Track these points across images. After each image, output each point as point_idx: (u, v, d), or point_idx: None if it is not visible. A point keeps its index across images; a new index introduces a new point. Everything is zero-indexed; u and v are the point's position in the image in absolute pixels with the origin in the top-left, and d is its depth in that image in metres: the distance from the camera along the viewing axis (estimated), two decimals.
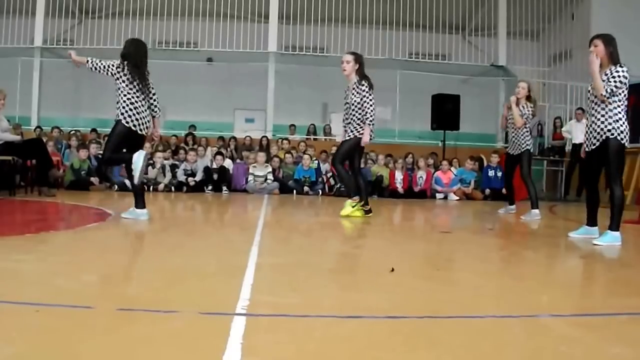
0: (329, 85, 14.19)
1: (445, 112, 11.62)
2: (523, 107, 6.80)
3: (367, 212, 6.14)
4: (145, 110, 4.99)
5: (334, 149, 11.33)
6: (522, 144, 6.82)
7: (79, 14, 14.34)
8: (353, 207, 6.08)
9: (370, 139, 6.09)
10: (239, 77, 13.93)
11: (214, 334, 1.84)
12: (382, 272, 2.95)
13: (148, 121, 5.01)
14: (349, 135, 6.10)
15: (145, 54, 5.07)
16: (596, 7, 12.35)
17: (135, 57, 4.95)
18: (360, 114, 6.00)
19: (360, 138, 6.04)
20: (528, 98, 6.85)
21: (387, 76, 13.19)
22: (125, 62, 4.91)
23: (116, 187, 9.28)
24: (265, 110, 13.60)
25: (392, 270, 2.94)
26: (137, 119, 4.91)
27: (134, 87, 4.92)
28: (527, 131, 6.87)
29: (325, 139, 13.41)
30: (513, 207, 7.22)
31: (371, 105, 5.96)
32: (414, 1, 13.97)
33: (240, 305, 2.17)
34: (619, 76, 4.30)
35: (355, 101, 6.00)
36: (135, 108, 4.91)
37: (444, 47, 14.20)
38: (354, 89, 6.04)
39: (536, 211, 6.66)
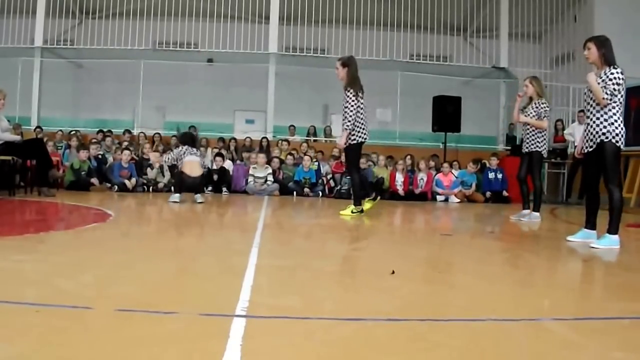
0: (330, 86, 14.14)
1: (446, 114, 11.61)
2: (537, 105, 6.49)
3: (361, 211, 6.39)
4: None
5: (335, 150, 11.38)
6: (532, 142, 6.53)
7: (80, 14, 14.35)
8: (353, 212, 6.33)
9: (347, 145, 6.23)
10: (239, 78, 13.93)
11: (213, 335, 1.83)
12: (382, 274, 2.94)
13: None
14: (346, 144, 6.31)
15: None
16: (598, 8, 12.34)
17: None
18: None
19: (355, 143, 6.24)
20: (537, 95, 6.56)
21: (388, 78, 13.20)
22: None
23: (116, 188, 9.28)
24: (266, 112, 13.60)
25: (393, 272, 2.93)
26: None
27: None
28: (540, 131, 6.51)
29: (326, 141, 13.38)
30: (527, 211, 6.75)
31: (351, 111, 6.10)
32: (415, 2, 13.97)
33: (240, 306, 2.16)
34: (614, 77, 4.32)
35: (343, 106, 6.26)
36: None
37: (445, 48, 14.20)
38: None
39: (526, 211, 6.72)
